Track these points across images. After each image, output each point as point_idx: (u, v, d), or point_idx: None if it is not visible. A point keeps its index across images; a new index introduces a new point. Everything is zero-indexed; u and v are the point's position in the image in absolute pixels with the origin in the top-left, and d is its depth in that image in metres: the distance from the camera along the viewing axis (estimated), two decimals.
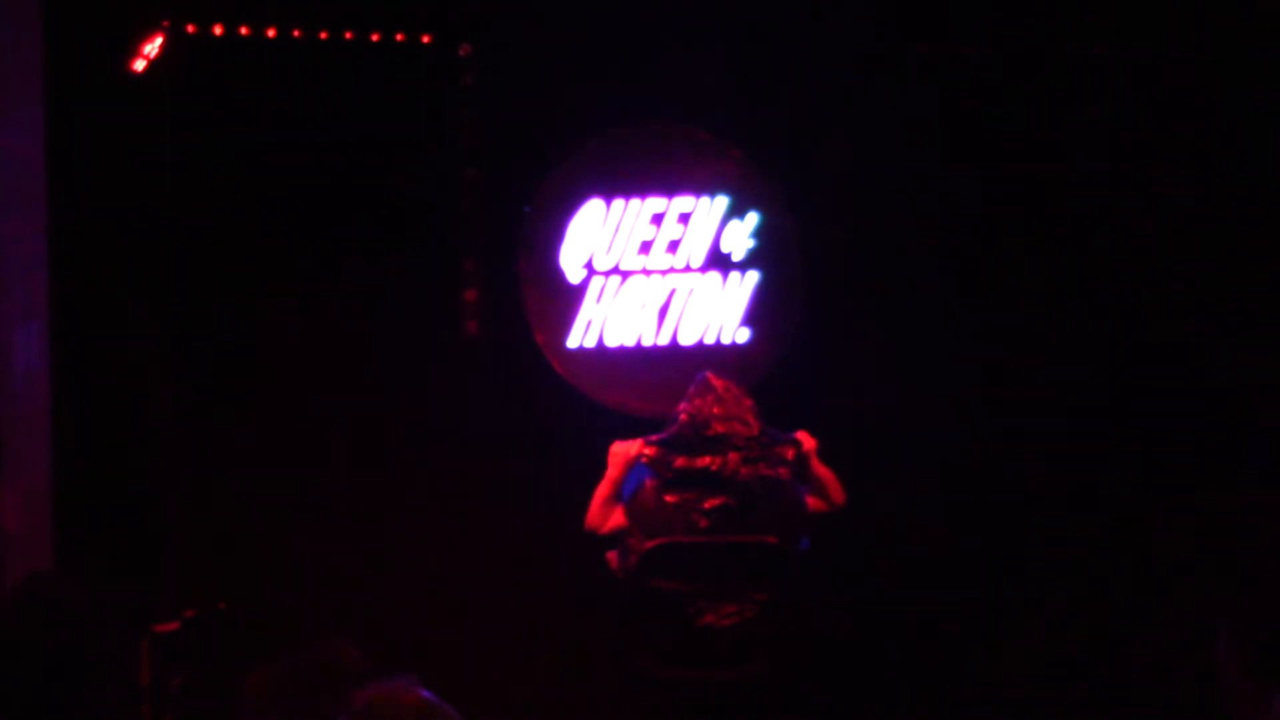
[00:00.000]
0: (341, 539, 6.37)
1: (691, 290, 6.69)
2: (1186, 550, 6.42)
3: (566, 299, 6.63)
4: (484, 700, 2.97)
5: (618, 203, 6.63)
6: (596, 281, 6.63)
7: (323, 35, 6.44)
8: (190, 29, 6.28)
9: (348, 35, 6.46)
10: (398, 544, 6.43)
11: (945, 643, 6.61)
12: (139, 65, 6.20)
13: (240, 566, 6.24)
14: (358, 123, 6.39)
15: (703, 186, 6.68)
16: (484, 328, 6.60)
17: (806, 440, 5.63)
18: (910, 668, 6.58)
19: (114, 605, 3.21)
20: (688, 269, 6.69)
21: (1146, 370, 6.66)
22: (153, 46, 6.20)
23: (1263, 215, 6.66)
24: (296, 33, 6.40)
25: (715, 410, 5.51)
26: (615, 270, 6.64)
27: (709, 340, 6.68)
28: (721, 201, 6.69)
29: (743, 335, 6.72)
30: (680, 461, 5.48)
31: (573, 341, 6.63)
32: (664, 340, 6.67)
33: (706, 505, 5.45)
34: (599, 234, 6.62)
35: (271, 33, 6.37)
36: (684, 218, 6.67)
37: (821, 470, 5.66)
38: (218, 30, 6.31)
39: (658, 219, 6.66)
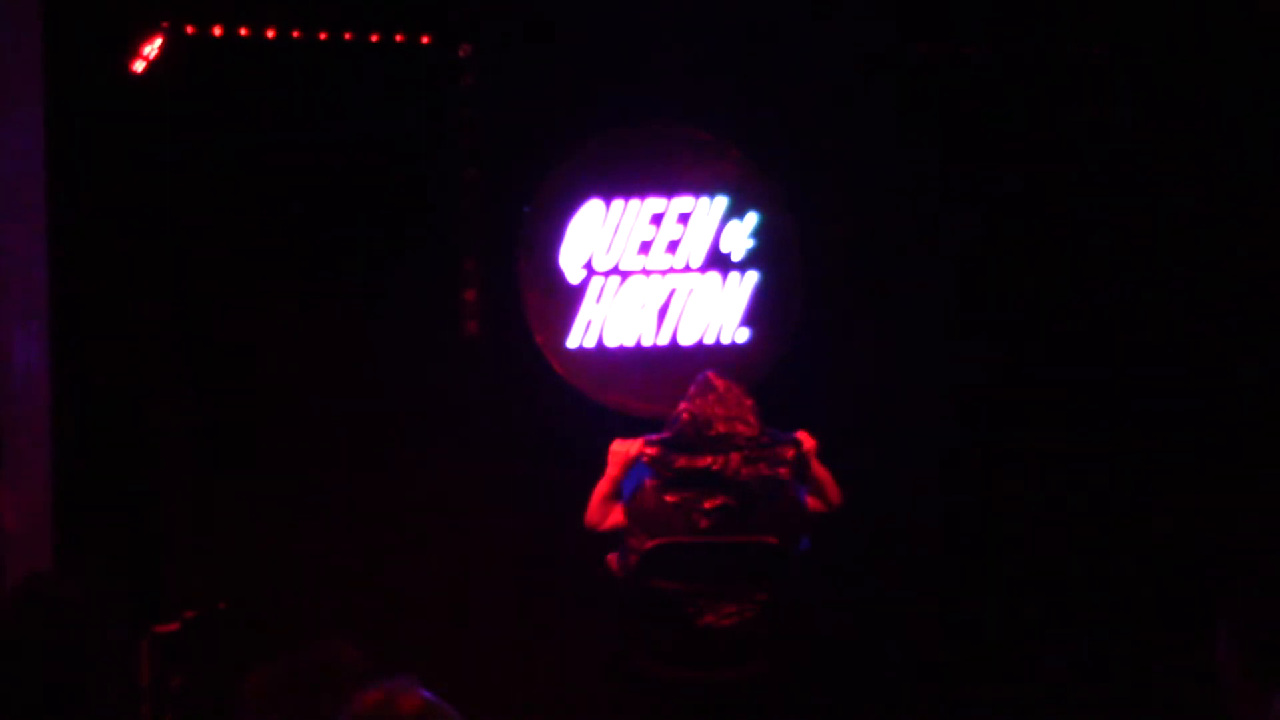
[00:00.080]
0: (341, 539, 6.37)
1: (691, 290, 6.69)
2: (1186, 550, 6.42)
3: (566, 299, 6.63)
4: (484, 700, 2.97)
5: (617, 203, 6.63)
6: (596, 281, 6.63)
7: (322, 36, 6.44)
8: (190, 30, 6.28)
9: (347, 36, 6.46)
10: (398, 544, 6.43)
11: (945, 643, 6.60)
12: (139, 66, 6.20)
13: (240, 566, 6.25)
14: (358, 123, 6.39)
15: (702, 186, 6.68)
16: (484, 328, 6.60)
17: (806, 440, 5.64)
18: (910, 668, 6.59)
19: (114, 605, 3.21)
20: (687, 269, 6.69)
21: (1146, 370, 6.66)
22: (152, 47, 6.20)
23: (1263, 215, 6.66)
24: (296, 33, 6.40)
25: (717, 410, 5.52)
26: (615, 270, 6.64)
27: (709, 340, 6.68)
28: (721, 201, 6.69)
29: (742, 335, 6.72)
30: (681, 461, 5.48)
31: (572, 341, 6.63)
32: (664, 340, 6.67)
33: (707, 505, 5.45)
34: (599, 234, 6.62)
35: (271, 33, 6.37)
36: (683, 218, 6.67)
37: (820, 470, 5.67)
38: (217, 31, 6.31)
39: (657, 219, 6.66)
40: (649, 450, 5.54)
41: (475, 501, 6.53)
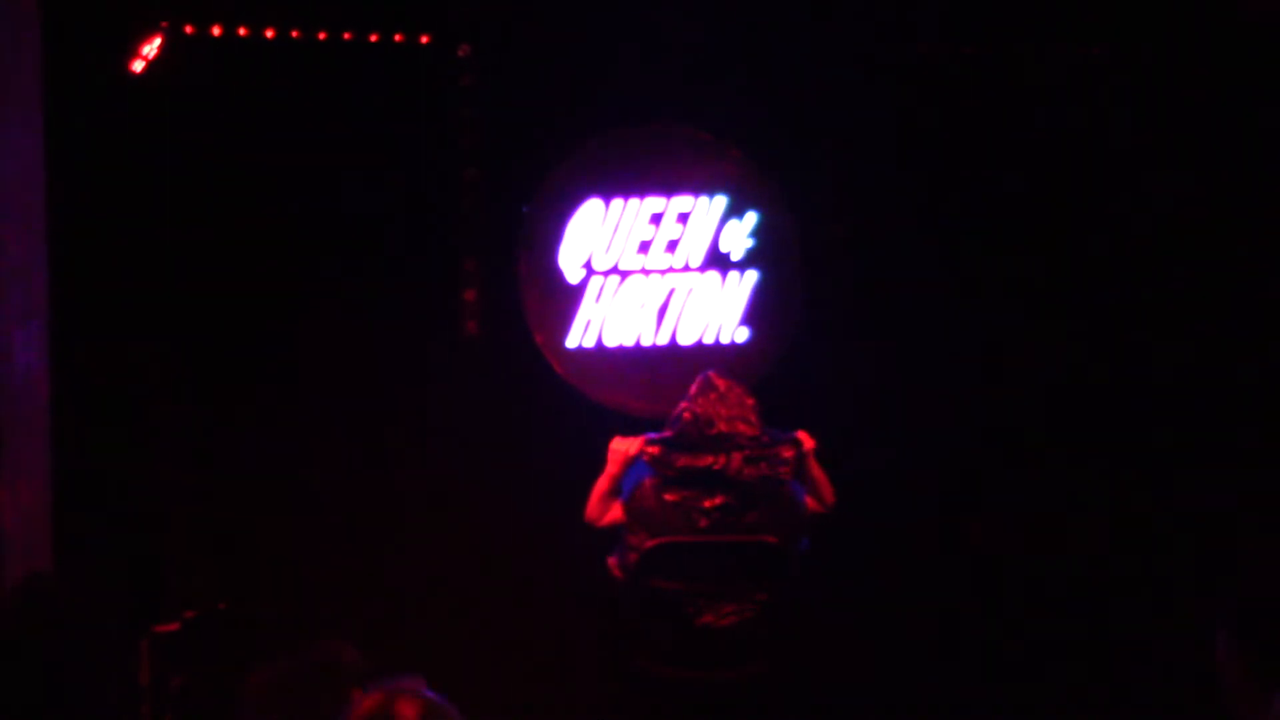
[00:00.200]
0: (341, 539, 6.37)
1: (690, 290, 6.69)
2: (1186, 550, 6.42)
3: (566, 299, 6.63)
4: (484, 700, 2.97)
5: (616, 202, 6.63)
6: (595, 281, 6.64)
7: (321, 36, 6.44)
8: (189, 29, 6.28)
9: (346, 36, 6.46)
10: (398, 544, 6.43)
11: (945, 643, 6.60)
12: (138, 66, 6.20)
13: (240, 566, 6.25)
14: (358, 123, 6.39)
15: (701, 186, 6.68)
16: (484, 328, 6.60)
17: (806, 440, 5.63)
18: (910, 667, 6.58)
19: (114, 605, 3.21)
20: (687, 268, 6.69)
21: (1146, 369, 6.66)
22: (151, 47, 6.21)
23: (1262, 215, 6.66)
24: (295, 33, 6.40)
25: (719, 410, 5.51)
26: (614, 270, 6.64)
27: (708, 340, 6.69)
28: (720, 201, 6.69)
29: (742, 335, 6.72)
30: (683, 460, 5.48)
31: (572, 341, 6.63)
32: (663, 340, 6.68)
33: (706, 504, 5.45)
34: (598, 234, 6.62)
35: (270, 33, 6.37)
36: (683, 217, 6.67)
37: (816, 470, 5.67)
38: (216, 31, 6.31)
39: (657, 219, 6.67)
40: (650, 449, 5.54)
41: (475, 501, 6.53)
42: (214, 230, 6.26)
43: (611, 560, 5.63)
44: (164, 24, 6.22)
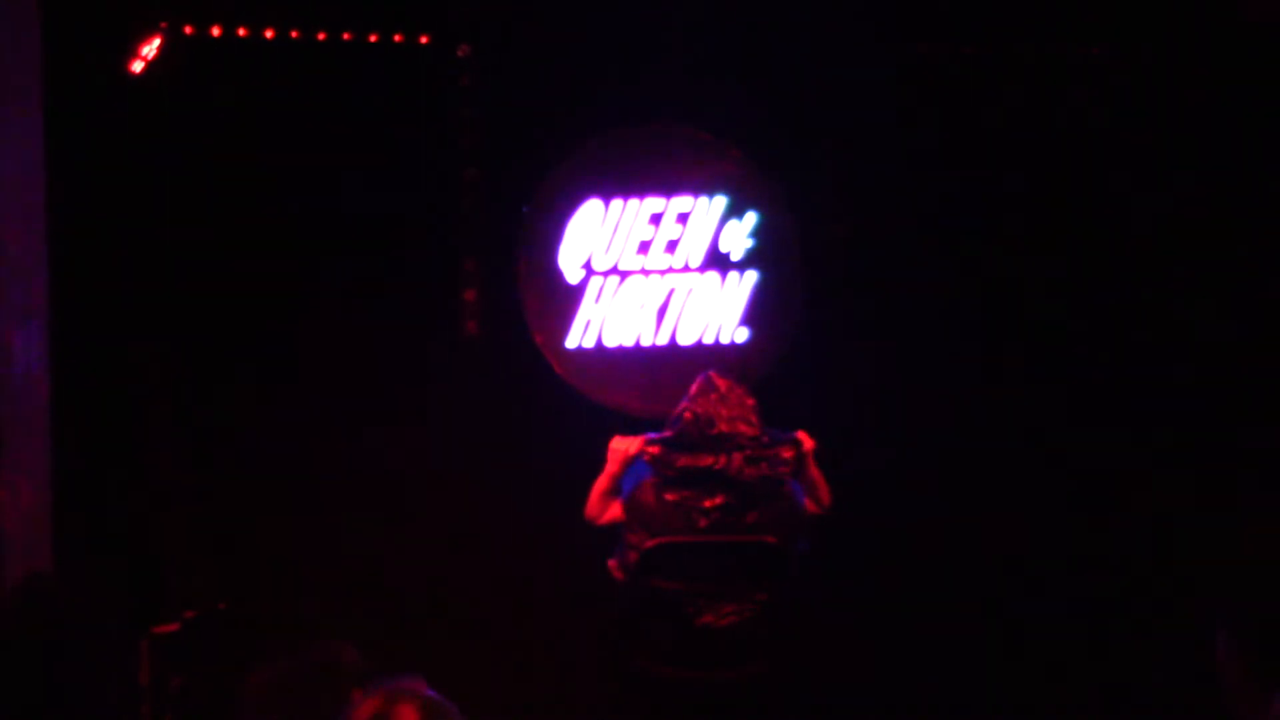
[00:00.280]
0: (341, 539, 6.37)
1: (690, 290, 6.69)
2: (1186, 550, 6.42)
3: (565, 299, 6.63)
4: (484, 700, 2.97)
5: (616, 203, 6.63)
6: (595, 281, 6.64)
7: (321, 36, 6.44)
8: (188, 30, 6.28)
9: (346, 36, 6.46)
10: (398, 544, 6.43)
11: (945, 643, 6.60)
12: (137, 66, 6.20)
13: (240, 566, 6.24)
14: (357, 123, 6.39)
15: (701, 186, 6.68)
16: (484, 328, 6.60)
17: (806, 440, 5.63)
18: (910, 668, 6.58)
19: (114, 605, 3.21)
20: (686, 269, 6.69)
21: (1147, 369, 6.66)
22: (151, 47, 6.20)
23: (1263, 215, 6.66)
24: (295, 33, 6.40)
25: (720, 410, 5.51)
26: (614, 270, 6.64)
27: (708, 340, 6.69)
28: (720, 201, 6.69)
29: (741, 335, 6.72)
30: (684, 460, 5.47)
31: (572, 341, 6.63)
32: (663, 340, 6.68)
33: (706, 504, 5.45)
34: (598, 234, 6.62)
35: (269, 33, 6.37)
36: (682, 217, 6.67)
37: (814, 471, 5.66)
38: (216, 31, 6.31)
39: (656, 219, 6.67)
40: (651, 449, 5.53)
41: (475, 501, 6.53)
42: (214, 230, 6.26)
43: (612, 562, 5.63)
44: (164, 24, 6.22)
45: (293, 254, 6.38)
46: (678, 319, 6.68)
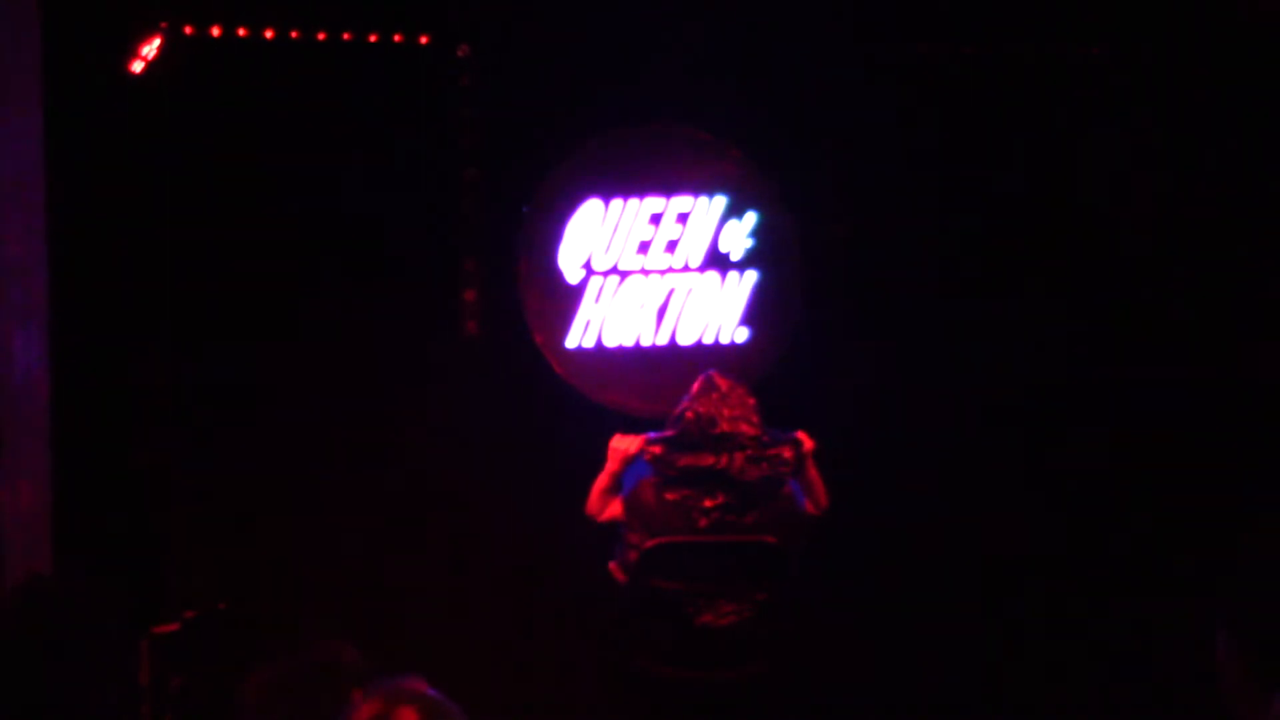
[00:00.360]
0: (341, 539, 6.37)
1: (690, 290, 6.69)
2: (1187, 550, 6.42)
3: (565, 299, 6.63)
4: (484, 700, 2.97)
5: (616, 202, 6.63)
6: (595, 281, 6.63)
7: (321, 36, 6.44)
8: (188, 30, 6.28)
9: (346, 36, 6.46)
10: (398, 544, 6.43)
11: (944, 643, 6.60)
12: (137, 66, 6.20)
13: (240, 566, 6.24)
14: (357, 123, 6.39)
15: (701, 186, 6.68)
16: (484, 328, 6.60)
17: (806, 441, 5.63)
18: (910, 668, 6.58)
19: (114, 605, 3.21)
20: (686, 269, 6.69)
21: (1146, 369, 6.66)
22: (151, 47, 6.20)
23: (1263, 215, 6.66)
24: (294, 33, 6.40)
25: (721, 410, 5.50)
26: (614, 270, 6.64)
27: (708, 340, 6.69)
28: (720, 201, 6.69)
29: (741, 335, 6.72)
30: (686, 460, 5.46)
31: (571, 341, 6.63)
32: (663, 340, 6.67)
33: (707, 504, 5.45)
34: (597, 234, 6.62)
35: (269, 33, 6.37)
36: (682, 217, 6.67)
37: (813, 473, 5.65)
38: (216, 31, 6.31)
39: (656, 219, 6.67)
40: (653, 449, 5.53)
41: (475, 501, 6.53)
42: (214, 230, 6.26)
43: (613, 565, 5.62)
44: (163, 24, 6.22)
45: (293, 254, 6.37)
46: (678, 319, 6.68)
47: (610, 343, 6.65)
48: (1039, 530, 6.66)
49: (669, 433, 5.54)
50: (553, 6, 6.54)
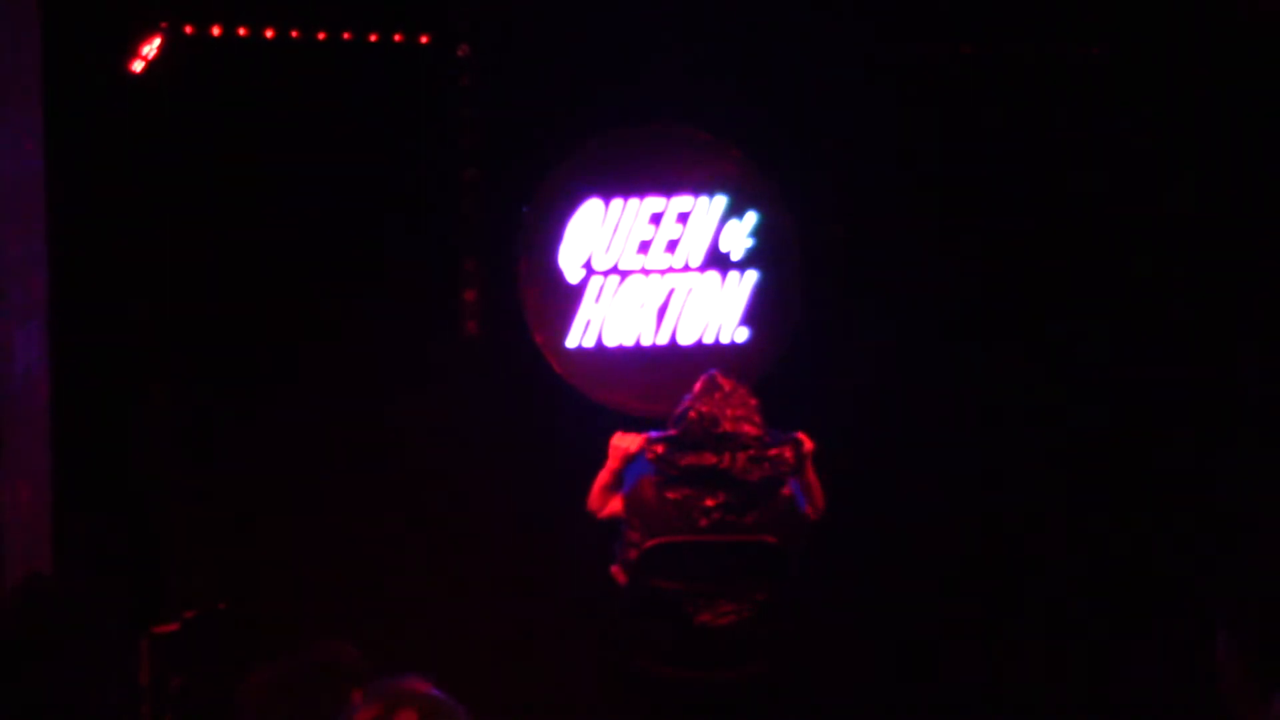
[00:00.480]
0: (341, 539, 6.37)
1: (690, 290, 6.69)
2: (1186, 550, 6.42)
3: (565, 299, 6.63)
4: (484, 700, 2.96)
5: (616, 202, 6.63)
6: (595, 281, 6.64)
7: (321, 36, 6.44)
8: (188, 30, 6.28)
9: (346, 36, 6.46)
10: (398, 544, 6.43)
11: (944, 643, 6.60)
12: (137, 66, 6.20)
13: (240, 566, 6.24)
14: (357, 123, 6.39)
15: (701, 186, 6.68)
16: (484, 328, 6.60)
17: (806, 442, 5.62)
18: (910, 668, 6.58)
19: (114, 605, 3.21)
20: (686, 268, 6.69)
21: (1146, 369, 6.66)
22: (151, 47, 6.20)
23: (1263, 215, 6.65)
24: (295, 33, 6.40)
25: (724, 409, 5.50)
26: (614, 270, 6.64)
27: (708, 340, 6.69)
28: (720, 201, 6.69)
29: (741, 335, 6.72)
30: (689, 459, 5.46)
31: (572, 341, 6.63)
32: (663, 340, 6.68)
33: (708, 503, 5.45)
34: (598, 234, 6.62)
35: (270, 33, 6.37)
36: (683, 217, 6.67)
37: (811, 474, 5.64)
38: (216, 31, 6.31)
39: (656, 218, 6.67)
40: (655, 448, 5.52)
41: (475, 501, 6.53)
42: (214, 230, 6.26)
43: (615, 568, 5.62)
44: (164, 24, 6.22)
45: (292, 254, 6.38)
46: (678, 319, 6.68)
47: (610, 342, 6.65)
48: (1039, 530, 6.66)
49: (672, 432, 5.54)
50: (553, 6, 6.54)
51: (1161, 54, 6.69)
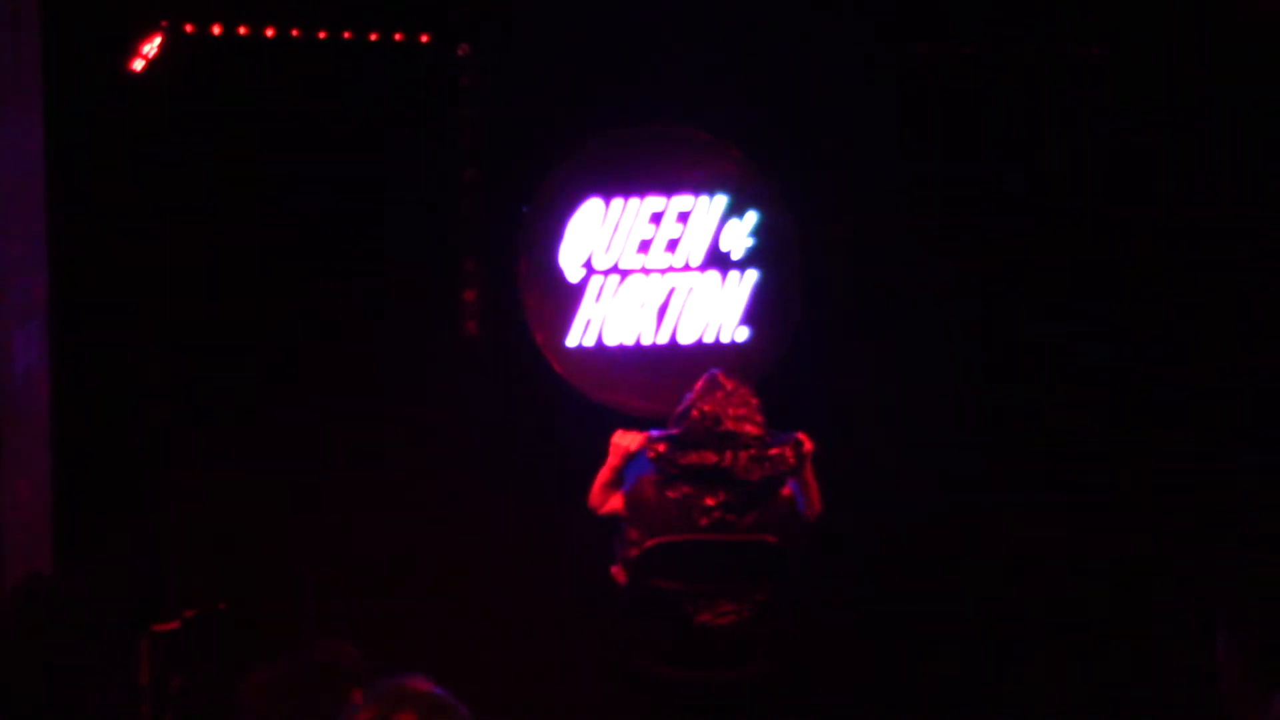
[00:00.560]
0: (341, 539, 6.37)
1: (690, 289, 6.69)
2: (1186, 551, 6.42)
3: (566, 298, 6.63)
4: (484, 700, 2.96)
5: (616, 202, 6.63)
6: (595, 280, 6.64)
7: (321, 35, 6.44)
8: (189, 29, 6.28)
9: (346, 35, 6.46)
10: (398, 544, 6.43)
11: (945, 643, 6.60)
12: (138, 65, 6.20)
13: (240, 566, 6.24)
14: (357, 123, 6.39)
15: (702, 185, 6.68)
16: (484, 327, 6.60)
17: (806, 442, 5.62)
18: (910, 668, 6.58)
19: (114, 605, 3.21)
20: (687, 268, 6.69)
21: (1146, 369, 6.66)
22: (151, 46, 6.20)
23: (1263, 215, 6.66)
24: (295, 32, 6.40)
25: (726, 409, 5.49)
26: (614, 269, 6.64)
27: (708, 339, 6.69)
28: (720, 200, 6.69)
29: (742, 334, 6.72)
30: (691, 457, 5.45)
31: (572, 341, 6.63)
32: (663, 339, 6.68)
33: (707, 502, 5.44)
34: (598, 233, 6.62)
35: (270, 32, 6.37)
36: (683, 216, 6.67)
37: (810, 476, 5.63)
38: (216, 30, 6.31)
39: (657, 218, 6.67)
40: (657, 446, 5.52)
41: (475, 501, 6.53)
42: (214, 230, 6.26)
43: (615, 569, 5.62)
44: (164, 23, 6.22)
45: (292, 253, 6.38)
46: (678, 318, 6.68)
47: (610, 342, 6.65)
48: (1038, 530, 6.65)
49: (673, 430, 5.53)
50: (553, 6, 6.54)
51: (1161, 54, 6.69)
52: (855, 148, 6.72)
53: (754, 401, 5.55)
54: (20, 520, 5.68)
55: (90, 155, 5.99)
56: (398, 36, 6.51)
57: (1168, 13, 6.65)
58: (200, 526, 6.28)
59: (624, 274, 6.65)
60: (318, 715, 2.88)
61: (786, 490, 5.53)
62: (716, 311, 6.70)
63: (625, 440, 5.61)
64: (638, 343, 6.67)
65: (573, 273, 6.63)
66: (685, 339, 6.68)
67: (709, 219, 6.68)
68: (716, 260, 6.70)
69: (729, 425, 5.46)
